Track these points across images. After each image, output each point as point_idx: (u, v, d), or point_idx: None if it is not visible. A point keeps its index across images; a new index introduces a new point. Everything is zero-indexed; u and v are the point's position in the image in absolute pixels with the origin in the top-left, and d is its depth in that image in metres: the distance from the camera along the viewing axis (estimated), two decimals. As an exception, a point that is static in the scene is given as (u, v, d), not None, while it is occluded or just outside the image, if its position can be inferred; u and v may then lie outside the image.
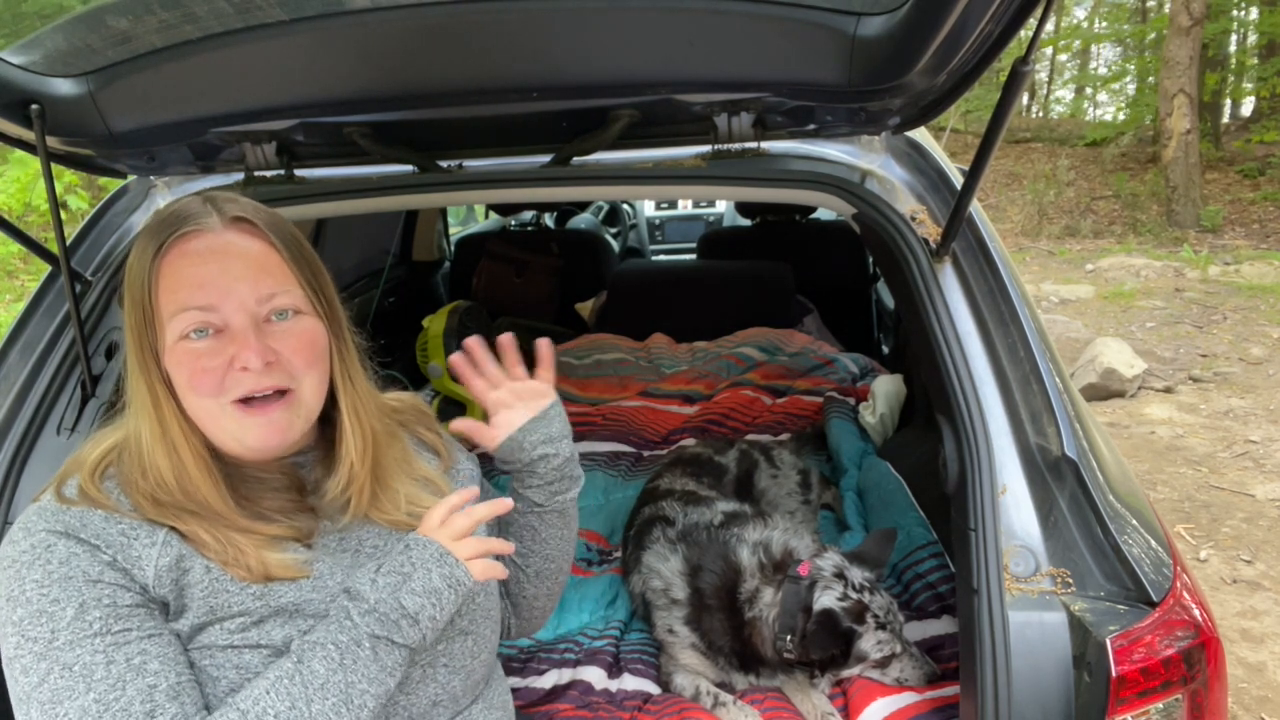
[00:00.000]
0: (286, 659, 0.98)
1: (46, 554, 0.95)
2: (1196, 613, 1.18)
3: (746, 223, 4.54)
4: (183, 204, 1.05)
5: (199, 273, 1.00)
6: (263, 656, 1.00)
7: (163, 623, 0.98)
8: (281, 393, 1.03)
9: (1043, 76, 22.89)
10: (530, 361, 1.30)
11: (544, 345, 1.30)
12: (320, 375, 1.08)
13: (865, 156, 1.65)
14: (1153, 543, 1.26)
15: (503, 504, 1.13)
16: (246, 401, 1.02)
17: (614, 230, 6.15)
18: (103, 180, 5.11)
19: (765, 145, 1.63)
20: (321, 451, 1.15)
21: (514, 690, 1.78)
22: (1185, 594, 1.19)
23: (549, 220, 5.42)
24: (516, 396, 1.27)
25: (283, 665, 0.97)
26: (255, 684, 0.96)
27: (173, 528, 1.00)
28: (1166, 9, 15.29)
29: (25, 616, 0.93)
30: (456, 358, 1.27)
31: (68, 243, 1.63)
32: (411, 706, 1.10)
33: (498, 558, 1.19)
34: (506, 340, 1.28)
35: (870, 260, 4.04)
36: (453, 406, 3.29)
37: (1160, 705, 1.13)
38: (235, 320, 1.00)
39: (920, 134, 1.68)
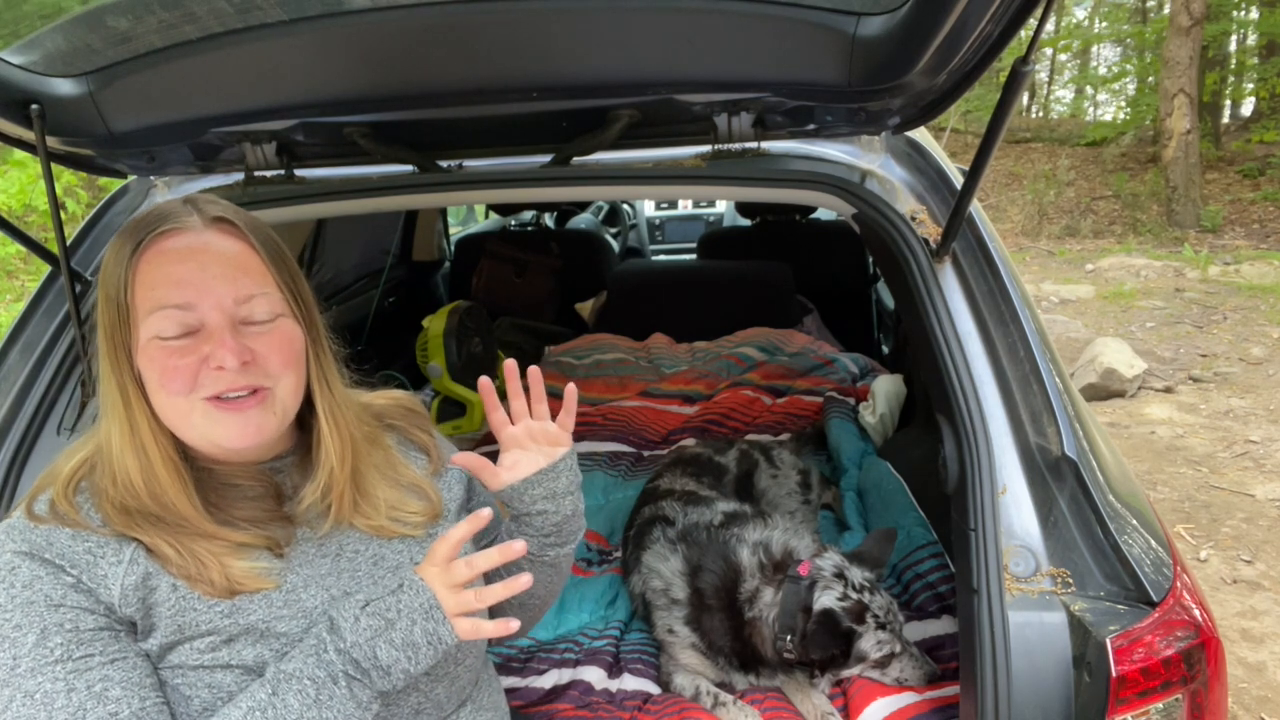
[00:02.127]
0: (261, 687, 0.95)
1: (10, 577, 0.94)
2: (1196, 613, 1.18)
3: (746, 223, 4.54)
4: (162, 205, 1.04)
5: (177, 271, 0.99)
6: (235, 676, 0.98)
7: (129, 645, 0.97)
8: (255, 391, 1.02)
9: (1043, 76, 22.89)
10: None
11: (569, 391, 1.20)
12: (297, 377, 1.06)
13: (865, 156, 1.65)
14: (1153, 543, 1.26)
15: (480, 517, 1.04)
16: (219, 399, 1.00)
17: (614, 230, 6.15)
18: (103, 180, 5.12)
19: (765, 145, 1.63)
20: (298, 456, 1.13)
21: (514, 690, 1.78)
22: (1185, 594, 1.19)
23: (549, 220, 5.42)
24: (531, 437, 1.18)
25: (257, 695, 0.95)
26: (228, 712, 0.94)
27: (140, 542, 0.98)
28: (1166, 9, 15.29)
29: None
30: (484, 382, 1.17)
31: (68, 243, 1.63)
32: (393, 716, 1.09)
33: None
34: (534, 374, 1.19)
35: (870, 260, 4.04)
36: (453, 406, 3.29)
37: (1160, 705, 1.13)
38: (212, 319, 0.99)
39: (920, 134, 1.68)
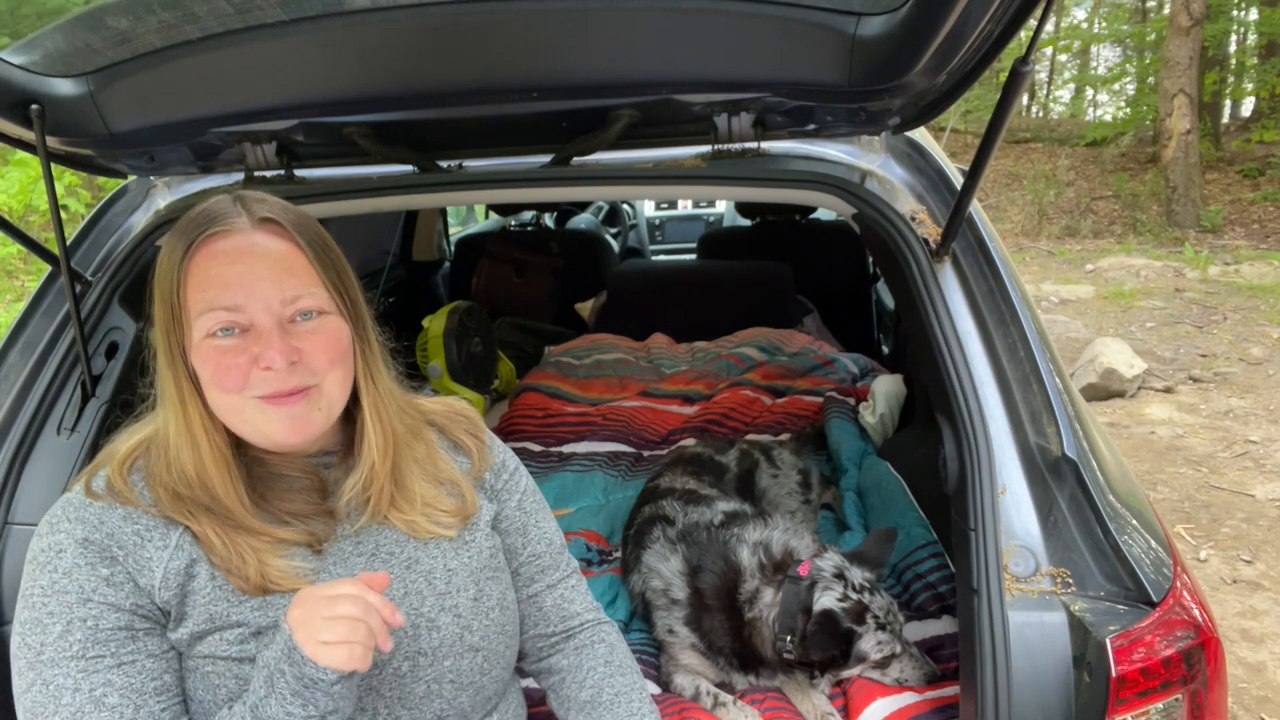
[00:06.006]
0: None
1: (56, 560, 0.99)
2: (1196, 613, 1.18)
3: (746, 223, 4.54)
4: (212, 204, 1.06)
5: (226, 273, 1.01)
6: None
7: (144, 645, 1.00)
8: (304, 389, 1.04)
9: (1043, 76, 22.90)
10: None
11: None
12: (344, 373, 1.09)
13: (865, 156, 1.65)
14: (1153, 543, 1.26)
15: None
16: (270, 395, 1.03)
17: (614, 230, 6.15)
18: (103, 180, 5.11)
19: (765, 145, 1.63)
20: (344, 452, 1.15)
21: (514, 690, 1.77)
22: (1185, 594, 1.19)
23: (549, 220, 5.42)
24: None
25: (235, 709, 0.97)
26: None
27: (187, 529, 1.02)
28: (1166, 9, 15.29)
29: (27, 621, 0.97)
30: None
31: (68, 243, 1.63)
32: None
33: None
34: None
35: (870, 260, 4.04)
36: (453, 406, 3.28)
37: (1160, 705, 1.13)
38: (260, 320, 1.02)
39: (920, 134, 1.68)
